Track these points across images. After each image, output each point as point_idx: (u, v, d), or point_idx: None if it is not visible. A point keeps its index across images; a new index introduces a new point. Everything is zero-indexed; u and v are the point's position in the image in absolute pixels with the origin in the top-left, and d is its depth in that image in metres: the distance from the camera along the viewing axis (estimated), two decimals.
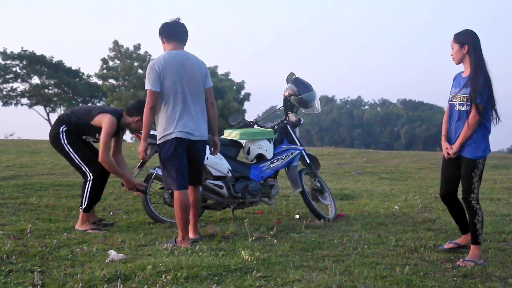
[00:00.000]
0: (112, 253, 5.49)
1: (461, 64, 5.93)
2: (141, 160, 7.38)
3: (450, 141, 5.98)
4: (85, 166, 7.14)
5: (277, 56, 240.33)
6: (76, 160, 7.15)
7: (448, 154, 5.91)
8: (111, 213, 8.31)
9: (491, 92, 5.74)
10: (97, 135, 7.20)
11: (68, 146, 7.13)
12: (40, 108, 61.18)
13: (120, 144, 7.63)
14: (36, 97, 59.51)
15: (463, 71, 5.96)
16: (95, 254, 5.62)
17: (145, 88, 6.14)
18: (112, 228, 7.19)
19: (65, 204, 8.86)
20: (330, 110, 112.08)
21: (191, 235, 6.42)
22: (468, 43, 5.84)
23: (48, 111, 60.88)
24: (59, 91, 60.78)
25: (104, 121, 7.06)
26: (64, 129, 7.16)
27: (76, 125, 7.18)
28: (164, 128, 6.13)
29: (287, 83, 8.61)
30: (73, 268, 5.09)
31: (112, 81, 56.90)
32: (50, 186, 10.57)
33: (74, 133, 7.18)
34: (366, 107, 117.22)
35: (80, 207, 7.19)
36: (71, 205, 8.75)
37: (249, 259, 5.31)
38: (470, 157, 5.78)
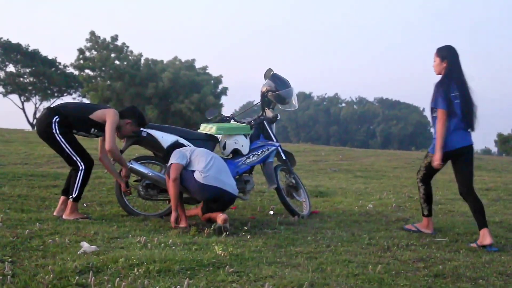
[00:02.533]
0: (85, 245, 5.46)
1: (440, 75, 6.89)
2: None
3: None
4: (76, 156, 7.16)
5: (255, 51, 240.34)
6: (67, 150, 7.14)
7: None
8: (85, 205, 8.26)
9: (447, 96, 6.70)
10: (92, 130, 7.30)
11: (60, 136, 7.09)
12: (14, 97, 60.76)
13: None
14: (11, 85, 58.96)
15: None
16: (67, 245, 5.57)
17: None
18: (86, 220, 7.15)
19: (38, 194, 8.80)
20: (307, 107, 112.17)
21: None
22: (448, 58, 6.82)
23: (23, 100, 60.41)
24: (34, 80, 60.30)
25: (108, 114, 7.21)
26: (57, 120, 7.12)
27: (70, 117, 7.19)
28: None
29: (265, 79, 8.61)
30: (45, 259, 5.04)
31: (88, 71, 56.47)
32: (23, 176, 10.49)
33: (66, 125, 7.16)
34: (343, 104, 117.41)
35: (70, 197, 7.20)
36: (44, 195, 8.69)
37: (222, 254, 5.32)
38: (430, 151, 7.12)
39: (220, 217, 6.62)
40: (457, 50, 6.87)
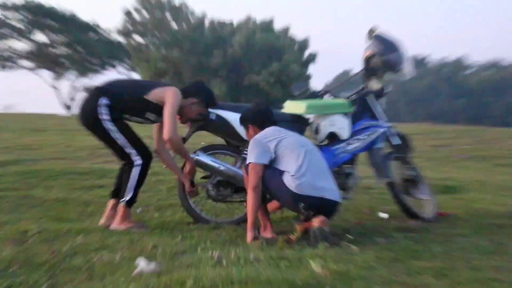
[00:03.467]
0: (141, 263, 5.48)
1: None
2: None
3: None
4: (131, 149, 7.21)
5: (353, 4, 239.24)
6: (120, 142, 7.18)
7: None
8: (139, 210, 8.34)
9: None
10: (148, 114, 7.33)
11: (109, 123, 7.11)
12: (44, 73, 62.01)
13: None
14: (40, 58, 60.16)
15: None
16: (119, 264, 5.61)
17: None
18: (142, 230, 7.19)
19: (79, 197, 8.94)
20: (424, 75, 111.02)
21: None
22: None
23: (55, 76, 61.66)
24: (69, 50, 61.32)
25: (168, 93, 7.21)
26: (104, 102, 7.13)
27: (121, 99, 7.22)
28: None
29: (368, 41, 8.51)
30: (91, 281, 5.08)
31: (137, 38, 57.39)
32: (60, 174, 10.69)
33: (117, 109, 7.20)
34: (473, 69, 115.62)
35: (122, 200, 7.27)
36: (87, 199, 8.83)
37: (321, 272, 5.24)
38: None
39: (316, 220, 6.56)
40: None
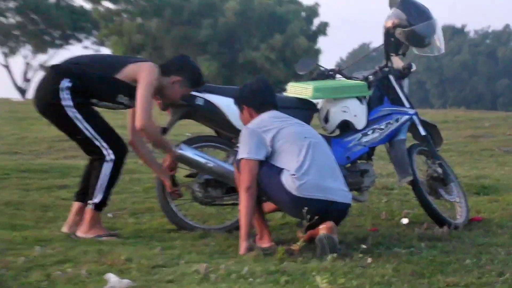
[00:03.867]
0: (112, 279, 5.54)
1: None
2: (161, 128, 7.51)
3: None
4: (101, 141, 7.21)
5: None
6: (86, 132, 7.18)
7: None
8: (110, 215, 8.41)
9: None
10: (119, 97, 7.32)
11: (73, 110, 7.11)
12: None
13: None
14: None
15: None
16: (85, 280, 5.66)
17: None
18: (113, 239, 7.27)
19: (36, 200, 8.99)
20: (459, 49, 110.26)
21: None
22: None
23: (6, 52, 61.42)
24: (23, 20, 61.04)
25: (142, 70, 7.20)
26: (67, 85, 7.10)
27: (87, 79, 7.21)
28: None
29: (390, 7, 8.56)
30: None
31: (107, 4, 57.21)
32: (13, 172, 10.73)
33: (82, 92, 7.18)
34: None
35: (89, 203, 7.29)
36: (46, 202, 8.87)
37: None
38: None
39: (323, 226, 6.56)
40: None
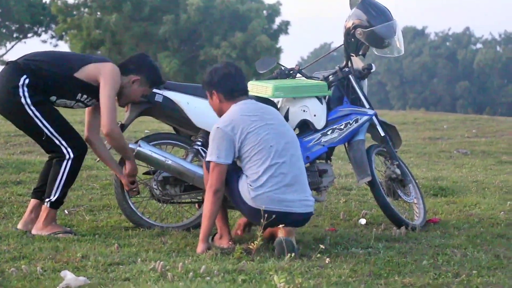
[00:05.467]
0: (68, 276, 5.53)
1: None
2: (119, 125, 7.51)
3: None
4: (61, 140, 7.16)
5: None
6: (47, 130, 7.12)
7: None
8: (66, 211, 8.39)
9: None
10: (78, 96, 7.29)
11: (33, 108, 7.05)
12: None
13: (99, 121, 7.62)
14: None
15: None
16: (40, 277, 5.67)
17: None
18: (69, 236, 7.25)
19: None
20: (419, 51, 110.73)
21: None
22: None
23: None
24: None
25: (104, 71, 7.17)
26: (26, 82, 7.04)
27: (46, 77, 7.15)
28: None
29: (351, 8, 8.60)
30: None
31: None
32: None
33: (41, 90, 7.13)
34: (478, 45, 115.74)
35: (46, 200, 7.27)
36: (0, 197, 8.82)
37: None
38: None
39: (282, 230, 6.59)
40: None
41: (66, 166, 7.17)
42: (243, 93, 7.00)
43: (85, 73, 7.14)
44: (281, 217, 6.62)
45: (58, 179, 7.18)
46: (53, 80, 7.12)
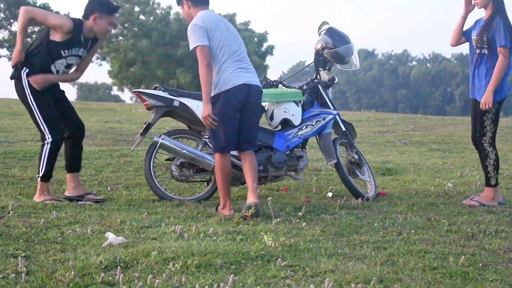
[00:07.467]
0: (110, 236, 5.54)
1: (482, 9, 7.55)
2: (144, 125, 7.53)
3: (479, 89, 7.52)
4: (44, 125, 7.09)
5: (307, 2, 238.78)
6: (37, 116, 7.08)
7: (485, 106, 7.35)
8: (108, 188, 8.37)
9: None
10: (63, 51, 7.13)
11: (31, 96, 7.03)
12: None
13: (86, 64, 7.64)
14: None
15: (484, 16, 7.59)
16: (90, 236, 5.67)
17: (192, 47, 6.78)
18: (110, 205, 7.20)
19: (54, 176, 8.89)
20: (370, 67, 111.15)
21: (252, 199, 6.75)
22: None
23: None
24: None
25: (59, 18, 7.17)
26: (26, 72, 7.02)
27: (36, 56, 7.09)
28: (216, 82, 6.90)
29: (319, 35, 8.60)
30: (64, 253, 5.14)
31: None
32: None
33: (38, 72, 7.03)
34: (414, 63, 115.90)
35: (37, 175, 7.27)
36: (61, 177, 8.77)
37: (273, 245, 5.33)
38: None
39: (251, 195, 6.78)
40: None
41: (46, 148, 7.12)
42: (206, 3, 7.08)
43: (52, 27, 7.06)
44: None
45: (42, 158, 7.15)
46: (40, 56, 7.10)
